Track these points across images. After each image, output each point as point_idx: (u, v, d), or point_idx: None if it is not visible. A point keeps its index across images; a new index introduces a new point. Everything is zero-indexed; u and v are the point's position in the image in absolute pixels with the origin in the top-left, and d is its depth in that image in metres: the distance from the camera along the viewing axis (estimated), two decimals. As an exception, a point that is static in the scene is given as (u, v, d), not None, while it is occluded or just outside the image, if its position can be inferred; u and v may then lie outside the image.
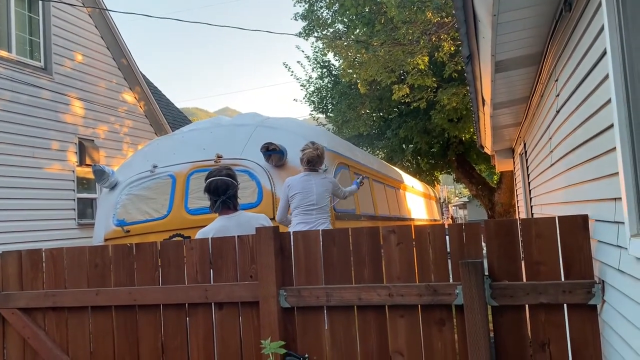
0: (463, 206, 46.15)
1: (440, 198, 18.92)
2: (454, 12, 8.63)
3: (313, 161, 4.85)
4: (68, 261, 3.72)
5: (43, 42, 9.21)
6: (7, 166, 8.21)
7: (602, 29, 2.17)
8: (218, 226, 3.51)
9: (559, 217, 2.74)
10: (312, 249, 3.16)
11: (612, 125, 2.11)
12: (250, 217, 3.70)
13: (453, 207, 49.59)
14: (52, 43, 9.30)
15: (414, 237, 2.99)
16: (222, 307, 3.29)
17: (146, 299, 3.43)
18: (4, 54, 8.44)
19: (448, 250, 2.92)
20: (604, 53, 2.17)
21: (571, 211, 3.26)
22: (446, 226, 2.96)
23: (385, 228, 3.05)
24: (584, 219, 2.68)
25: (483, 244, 2.88)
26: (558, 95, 3.42)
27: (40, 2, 9.16)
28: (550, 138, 3.99)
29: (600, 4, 2.16)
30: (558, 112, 3.47)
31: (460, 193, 51.34)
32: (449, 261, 2.89)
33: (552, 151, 4.00)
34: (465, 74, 10.00)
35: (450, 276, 2.88)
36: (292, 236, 3.23)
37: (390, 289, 2.93)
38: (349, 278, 3.06)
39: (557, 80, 3.43)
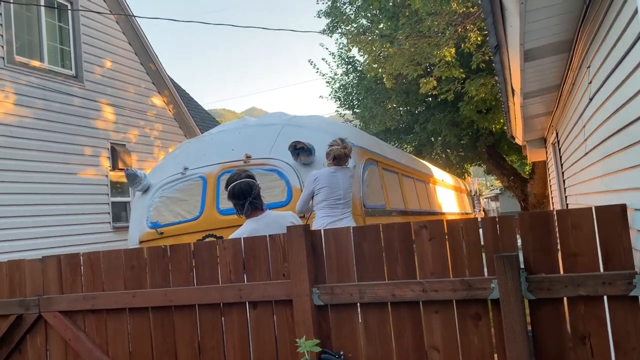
0: (495, 198, 45.45)
1: (471, 191, 18.65)
2: (479, 1, 8.49)
3: (339, 158, 4.87)
4: (105, 264, 3.79)
5: (73, 50, 9.42)
6: (41, 173, 8.43)
7: (635, 12, 2.10)
8: (249, 229, 3.53)
9: (595, 207, 2.66)
10: (343, 246, 3.16)
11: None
12: (278, 215, 3.72)
13: (485, 200, 48.87)
14: (82, 51, 9.51)
15: (446, 232, 2.95)
16: (256, 306, 3.31)
17: (181, 299, 3.48)
18: (36, 64, 8.66)
19: (482, 243, 2.88)
20: (639, 37, 2.10)
21: (608, 200, 3.18)
22: (479, 219, 2.92)
23: (417, 223, 3.02)
24: (623, 208, 2.60)
25: (518, 236, 2.83)
26: (591, 82, 3.33)
27: (69, 12, 9.37)
28: (584, 126, 3.89)
29: (633, -13, 2.09)
30: (591, 99, 3.38)
31: (491, 185, 50.55)
32: (483, 255, 2.85)
33: (586, 139, 3.91)
34: (493, 64, 9.84)
35: (485, 270, 2.84)
36: (322, 234, 3.23)
37: (424, 284, 2.90)
38: (381, 275, 3.04)
39: (589, 67, 3.34)
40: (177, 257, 3.56)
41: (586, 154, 3.96)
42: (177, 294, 3.49)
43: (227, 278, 3.39)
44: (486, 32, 10.21)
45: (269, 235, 3.31)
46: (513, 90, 5.23)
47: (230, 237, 3.65)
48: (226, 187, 3.74)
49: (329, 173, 4.83)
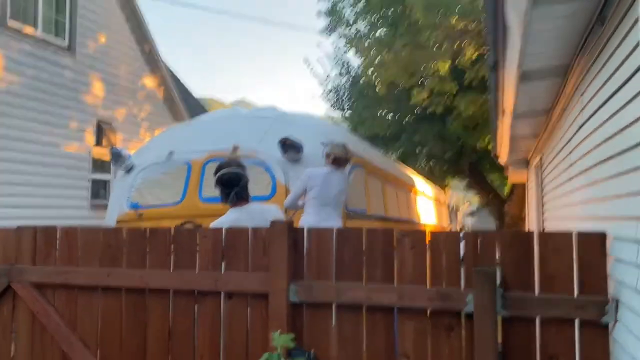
0: (472, 214, 45.90)
1: (450, 204, 18.85)
2: (482, 19, 8.58)
3: (339, 162, 4.93)
4: (82, 240, 3.74)
5: (69, 21, 9.28)
6: (25, 142, 8.29)
7: (637, 44, 2.15)
8: (232, 218, 3.52)
9: (577, 232, 2.72)
10: (325, 246, 3.17)
11: (641, 143, 2.10)
12: (263, 208, 3.72)
13: (462, 215, 49.31)
14: (77, 23, 9.38)
15: (428, 242, 2.98)
16: (231, 297, 3.30)
17: (157, 283, 3.45)
18: (29, 30, 8.52)
19: (462, 257, 2.91)
20: (638, 69, 2.15)
21: (588, 226, 3.24)
22: (461, 233, 2.96)
23: (400, 231, 3.05)
24: (603, 236, 2.66)
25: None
26: (583, 110, 3.40)
27: (68, -18, 9.23)
28: (570, 152, 3.96)
29: (637, 20, 2.14)
30: (581, 126, 3.44)
31: (469, 201, 51.09)
32: (462, 268, 2.89)
33: (571, 165, 3.98)
34: (486, 82, 9.94)
35: (462, 283, 2.88)
36: (305, 232, 3.23)
37: (401, 291, 2.93)
38: (360, 278, 3.05)
39: (582, 94, 3.40)
40: (156, 241, 3.54)
41: (570, 179, 4.03)
42: (152, 276, 3.46)
43: (204, 266, 3.38)
44: (482, 50, 10.34)
45: (252, 228, 3.31)
46: (504, 110, 5.30)
47: (212, 224, 3.64)
48: (215, 172, 3.73)
49: (324, 173, 4.87)
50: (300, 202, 4.96)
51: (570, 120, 3.99)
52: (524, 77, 3.95)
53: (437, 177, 17.06)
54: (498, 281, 2.78)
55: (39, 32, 8.71)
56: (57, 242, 3.83)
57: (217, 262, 3.37)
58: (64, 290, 3.72)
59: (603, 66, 2.79)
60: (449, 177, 18.06)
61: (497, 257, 2.85)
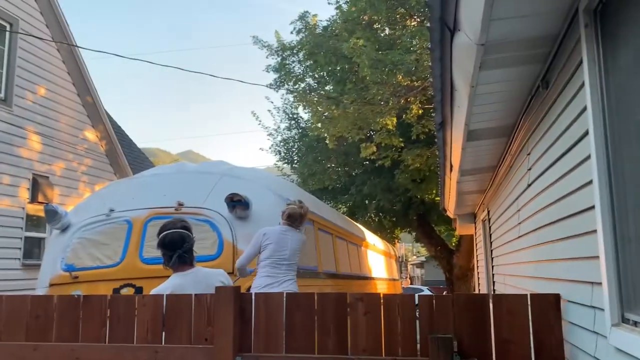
0: (420, 265, 46.35)
1: (399, 257, 18.89)
2: (427, 77, 8.85)
3: (294, 218, 4.82)
4: (6, 310, 3.41)
5: (6, 73, 8.92)
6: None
7: (584, 109, 2.17)
8: (174, 284, 3.28)
9: (531, 294, 2.68)
10: (274, 313, 2.99)
11: (592, 207, 2.08)
12: (208, 273, 3.50)
13: (410, 266, 49.68)
14: (15, 75, 9.02)
15: (382, 306, 2.86)
16: (172, 372, 3.04)
17: (89, 357, 3.15)
18: (-38, 82, 8.12)
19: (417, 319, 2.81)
20: (585, 134, 2.16)
21: (540, 287, 3.21)
22: (416, 297, 2.86)
23: (353, 295, 2.92)
24: (557, 298, 2.63)
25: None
26: (530, 169, 3.43)
27: (7, 33, 8.93)
28: (519, 210, 3.99)
29: (582, 85, 2.17)
30: (529, 185, 3.47)
31: (417, 252, 51.62)
32: (418, 334, 2.78)
33: (520, 223, 4.00)
34: (433, 138, 10.17)
35: (419, 350, 2.75)
36: (253, 298, 3.05)
37: (356, 361, 2.77)
38: (312, 347, 2.88)
39: (529, 154, 3.45)
40: (90, 309, 3.26)
41: (519, 237, 4.05)
42: (85, 351, 3.16)
43: (143, 338, 3.12)
44: (427, 105, 10.65)
45: (195, 295, 3.09)
46: (452, 166, 5.36)
47: (153, 291, 3.39)
48: (158, 234, 3.50)
49: (279, 231, 4.73)
50: (248, 270, 4.77)
51: (517, 178, 4.04)
52: (471, 135, 4.00)
53: (386, 230, 17.15)
54: (455, 348, 2.68)
55: (-28, 84, 8.33)
56: (-22, 312, 3.47)
57: (158, 332, 3.12)
58: (-18, 367, 3.34)
59: (549, 128, 2.83)
60: (398, 229, 18.19)
61: (451, 321, 2.76)
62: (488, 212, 6.74)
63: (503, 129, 4.01)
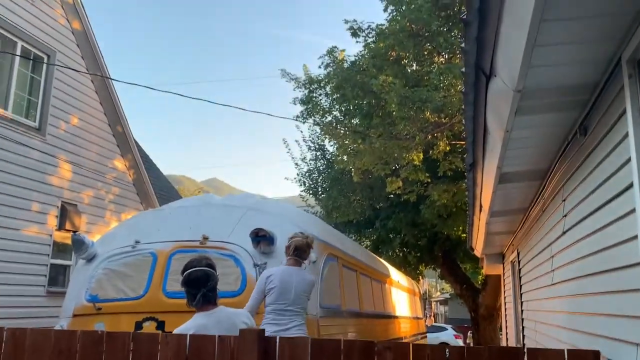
0: (444, 302, 45.41)
1: (423, 294, 18.55)
2: (457, 115, 8.80)
3: (301, 249, 4.55)
4: (30, 344, 3.38)
5: (41, 102, 9.17)
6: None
7: (628, 160, 2.09)
8: (197, 325, 3.22)
9: (568, 350, 2.54)
10: (298, 358, 2.90)
11: (639, 263, 1.98)
12: (231, 313, 3.43)
13: (434, 303, 48.71)
14: (50, 104, 9.27)
15: (411, 357, 2.75)
16: (193, 416, 2.96)
17: (110, 396, 3.09)
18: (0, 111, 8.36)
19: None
20: (630, 186, 2.07)
21: (575, 339, 3.07)
22: (446, 349, 2.75)
23: (381, 343, 2.82)
24: (596, 355, 2.48)
25: None
26: (565, 216, 3.32)
27: (44, 65, 9.22)
28: (553, 256, 3.86)
29: (626, 135, 2.09)
30: (565, 232, 3.35)
31: (442, 288, 50.65)
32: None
33: (553, 270, 3.86)
34: (460, 174, 10.05)
35: (449, 406, 2.63)
36: (278, 342, 2.97)
37: (383, 414, 2.65)
38: (336, 397, 2.78)
39: (564, 200, 3.35)
40: (113, 347, 3.21)
41: (553, 284, 3.90)
42: (106, 390, 3.11)
43: (165, 378, 3.05)
44: (454, 142, 10.57)
45: (219, 336, 3.03)
46: (481, 207, 5.25)
47: (176, 331, 3.34)
48: (182, 271, 3.46)
49: (282, 272, 4.43)
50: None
51: (551, 224, 3.92)
52: (503, 178, 3.91)
53: (410, 265, 16.89)
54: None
55: (9, 113, 8.55)
56: (3, 344, 3.46)
57: (179, 373, 3.05)
58: (3, 402, 3.31)
59: (588, 175, 2.74)
60: (422, 265, 17.89)
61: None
62: (518, 254, 6.57)
63: (536, 172, 3.91)
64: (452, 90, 9.13)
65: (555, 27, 1.97)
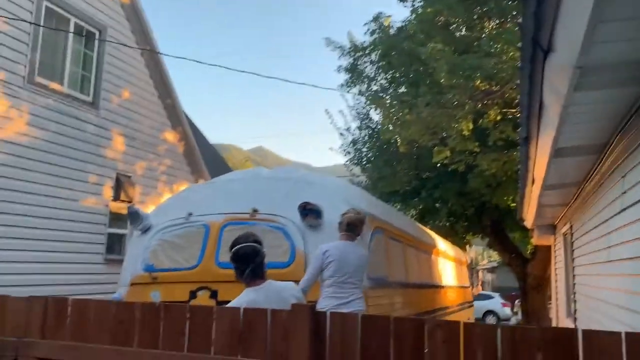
0: (492, 270, 44.93)
1: (470, 262, 18.39)
2: (509, 84, 8.51)
3: (354, 225, 4.62)
4: (93, 314, 3.58)
5: (94, 77, 9.45)
6: (46, 197, 8.30)
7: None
8: (247, 300, 3.32)
9: (626, 333, 2.49)
10: (349, 334, 2.95)
11: None
12: (280, 288, 3.50)
13: (482, 271, 48.25)
14: (102, 79, 9.54)
15: (461, 335, 2.76)
16: (247, 385, 3.07)
17: (169, 365, 3.25)
18: (56, 86, 8.66)
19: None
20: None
21: (637, 321, 2.99)
22: (498, 328, 2.73)
23: (432, 321, 2.84)
24: (656, 338, 2.42)
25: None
26: (625, 193, 3.21)
27: (96, 40, 9.44)
28: (609, 233, 3.75)
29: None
30: (624, 209, 3.24)
31: (489, 256, 50.02)
32: (499, 367, 2.65)
33: (609, 247, 3.75)
34: (511, 143, 9.76)
35: (499, 384, 2.63)
36: (328, 317, 3.03)
37: (433, 390, 2.69)
38: (387, 372, 2.83)
39: (624, 177, 3.22)
40: (170, 318, 3.35)
41: (610, 261, 3.80)
42: (166, 358, 3.26)
43: (220, 349, 3.17)
44: (505, 110, 10.25)
45: (271, 310, 3.11)
46: (533, 180, 5.12)
47: (228, 306, 3.45)
48: (231, 247, 3.56)
49: (339, 246, 4.55)
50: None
51: (608, 199, 3.80)
52: (557, 152, 3.79)
53: (457, 234, 16.72)
54: (539, 384, 2.54)
55: (64, 88, 8.85)
56: (68, 314, 3.67)
57: (234, 345, 3.16)
58: (72, 367, 3.53)
59: (651, 153, 2.62)
60: (470, 234, 17.69)
61: (535, 355, 2.61)
62: (571, 227, 6.40)
63: (593, 147, 3.77)
64: (504, 57, 8.81)
65: (620, 1, 1.87)
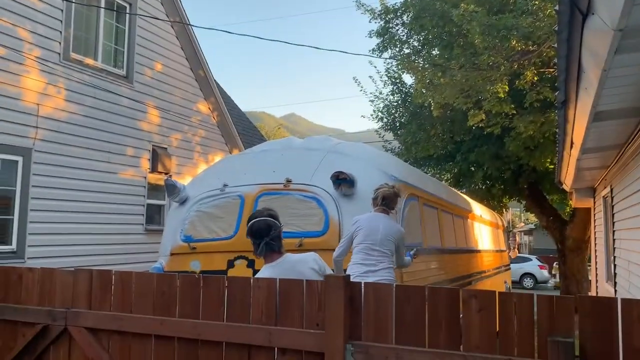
0: (529, 232, 44.35)
1: (507, 226, 18.16)
2: (546, 42, 8.21)
3: (388, 199, 4.67)
4: (136, 286, 3.72)
5: (127, 51, 9.54)
6: (85, 170, 8.53)
7: None
8: (266, 276, 3.35)
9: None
10: (383, 304, 2.99)
11: None
12: (296, 262, 3.47)
13: (518, 233, 47.70)
14: (135, 52, 9.63)
15: (497, 304, 2.76)
16: (285, 353, 3.16)
17: (210, 334, 3.36)
18: (90, 62, 8.80)
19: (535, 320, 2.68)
20: None
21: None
22: (534, 296, 2.72)
23: (466, 291, 2.84)
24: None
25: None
26: (668, 157, 3.10)
27: (127, 14, 9.49)
28: (652, 197, 3.64)
29: None
30: (666, 175, 3.14)
31: (527, 219, 49.29)
32: (535, 336, 2.65)
33: (652, 211, 3.65)
34: (548, 104, 9.48)
35: (536, 352, 2.64)
36: (363, 287, 3.07)
37: (469, 358, 2.71)
38: (422, 341, 2.86)
39: (667, 140, 3.11)
40: (209, 289, 3.46)
41: (651, 227, 3.70)
42: (205, 328, 3.37)
43: (258, 319, 3.26)
44: (542, 70, 9.93)
45: (306, 280, 3.17)
46: (572, 144, 4.99)
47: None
48: (247, 223, 3.57)
49: (369, 216, 4.63)
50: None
51: (650, 164, 3.68)
52: (598, 116, 3.68)
53: (494, 198, 16.49)
54: (576, 352, 2.53)
55: (99, 63, 8.99)
56: (112, 286, 3.82)
57: (271, 314, 3.25)
58: (118, 336, 3.70)
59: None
60: (506, 197, 17.42)
61: (574, 324, 2.60)
62: (611, 190, 6.23)
63: (634, 110, 3.64)
64: (541, 14, 8.48)
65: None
